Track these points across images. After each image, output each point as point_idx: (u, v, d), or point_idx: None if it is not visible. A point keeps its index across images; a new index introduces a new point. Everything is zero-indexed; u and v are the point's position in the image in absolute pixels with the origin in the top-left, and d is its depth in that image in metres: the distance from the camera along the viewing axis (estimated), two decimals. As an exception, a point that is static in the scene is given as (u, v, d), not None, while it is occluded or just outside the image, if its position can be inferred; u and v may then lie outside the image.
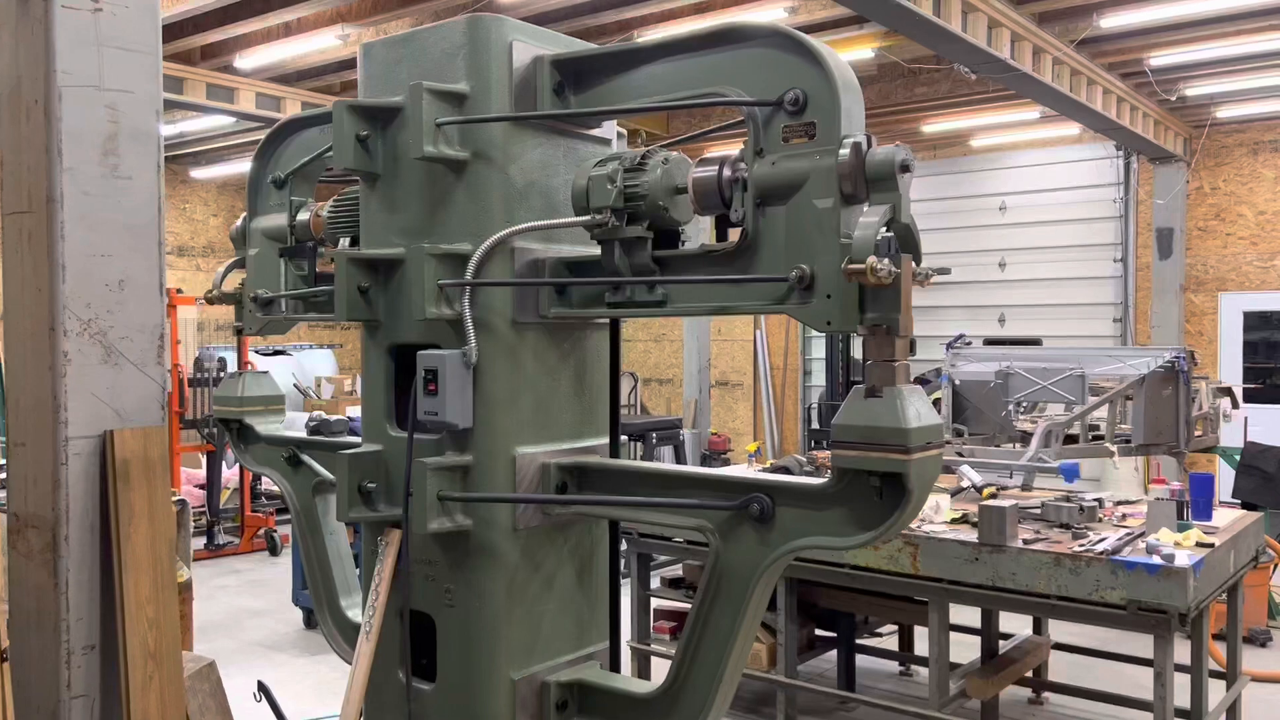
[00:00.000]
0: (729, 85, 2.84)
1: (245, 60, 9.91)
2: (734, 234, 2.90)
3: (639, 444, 10.21)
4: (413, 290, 3.06)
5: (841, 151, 2.63)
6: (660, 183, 2.95)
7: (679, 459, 10.43)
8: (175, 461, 9.91)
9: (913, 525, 4.72)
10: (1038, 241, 14.52)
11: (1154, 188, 13.33)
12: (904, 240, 2.62)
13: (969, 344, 7.99)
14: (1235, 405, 8.08)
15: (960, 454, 6.12)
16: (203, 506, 10.32)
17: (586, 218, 3.02)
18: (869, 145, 2.62)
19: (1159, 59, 9.66)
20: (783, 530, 2.79)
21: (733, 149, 2.93)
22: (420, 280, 3.04)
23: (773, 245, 2.78)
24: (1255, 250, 13.15)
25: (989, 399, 6.96)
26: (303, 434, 4.24)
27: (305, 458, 4.14)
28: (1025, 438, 7.14)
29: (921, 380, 14.28)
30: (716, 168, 2.87)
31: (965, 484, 5.36)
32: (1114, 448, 6.29)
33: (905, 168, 2.57)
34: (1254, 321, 13.21)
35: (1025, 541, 4.36)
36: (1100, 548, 4.13)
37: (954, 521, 4.77)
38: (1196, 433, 6.99)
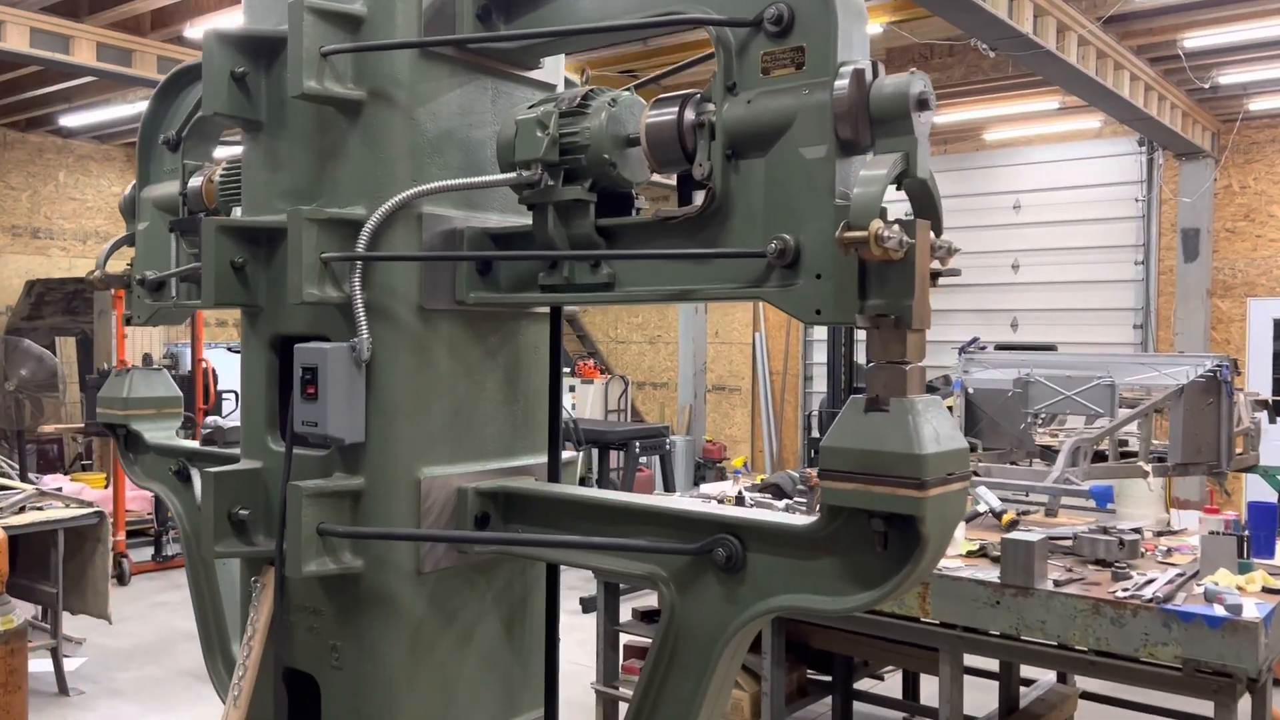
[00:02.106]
0: (693, 1, 2.21)
1: (197, 30, 9.26)
2: (699, 197, 2.27)
3: (620, 453, 9.56)
4: (290, 266, 2.43)
5: (838, 84, 2.00)
6: (605, 130, 2.32)
7: (665, 471, 9.78)
8: (119, 467, 9.25)
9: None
10: (1054, 242, 13.87)
11: (1179, 185, 12.69)
12: (920, 201, 1.99)
13: (984, 349, 7.36)
14: (1273, 420, 7.46)
15: (976, 473, 5.48)
16: (151, 514, 9.69)
17: (512, 174, 2.40)
18: (874, 75, 1.99)
19: (1193, 40, 9.03)
20: (756, 584, 2.15)
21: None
22: (299, 253, 2.41)
23: (747, 210, 2.15)
24: (1287, 253, 12.50)
25: (1006, 410, 6.33)
26: (196, 443, 3.61)
27: (195, 472, 3.50)
28: (1045, 453, 6.50)
29: (930, 389, 13.72)
30: (675, 110, 2.24)
31: (982, 508, 4.73)
32: (1148, 467, 5.64)
33: (923, 104, 1.94)
34: (1285, 329, 12.56)
35: (1056, 582, 3.72)
36: (1148, 593, 3.50)
37: (970, 555, 4.14)
38: (1237, 450, 6.36)
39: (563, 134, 2.35)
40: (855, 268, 1.96)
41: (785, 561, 2.12)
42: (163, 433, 3.75)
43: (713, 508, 2.25)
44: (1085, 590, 3.63)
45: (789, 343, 16.62)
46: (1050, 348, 14.16)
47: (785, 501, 5.02)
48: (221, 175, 3.21)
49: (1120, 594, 3.53)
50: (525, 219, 2.57)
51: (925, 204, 1.99)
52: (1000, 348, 14.76)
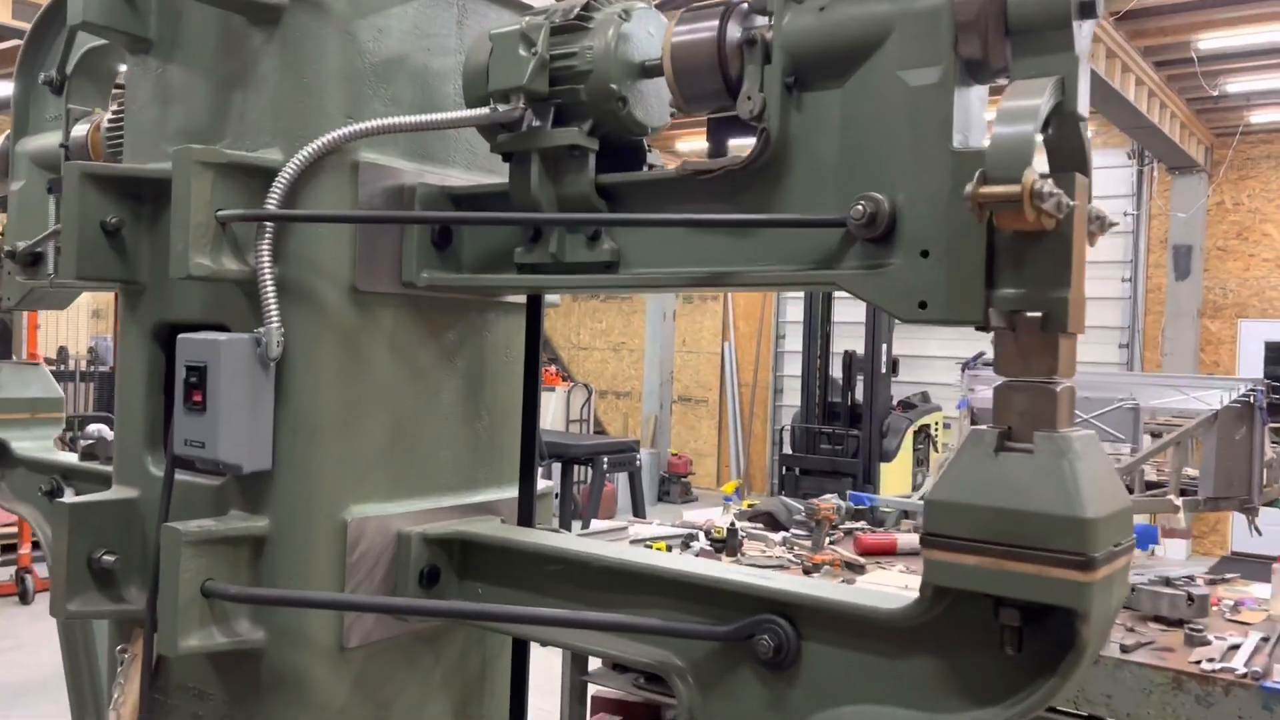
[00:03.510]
0: None
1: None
2: (737, 146, 1.68)
3: (587, 468, 8.92)
4: (174, 226, 1.79)
5: (958, -20, 1.41)
6: (613, 53, 1.71)
7: (634, 490, 9.14)
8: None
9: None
10: (1039, 255, 13.49)
11: (1171, 200, 12.35)
12: (1072, 150, 1.40)
13: (989, 365, 6.83)
14: (1286, 449, 7.02)
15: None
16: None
17: (483, 110, 1.78)
18: (1012, -33, 1.40)
19: (1207, 42, 8.63)
20: (814, 687, 1.55)
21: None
22: (186, 209, 1.77)
23: (814, 161, 1.55)
24: (1281, 274, 12.21)
25: (1016, 433, 5.82)
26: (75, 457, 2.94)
27: (70, 493, 2.84)
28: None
29: (906, 405, 13.24)
30: (714, 23, 1.63)
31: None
32: (1179, 501, 5.13)
33: (1087, 8, 1.36)
34: (1276, 353, 12.25)
35: (1123, 647, 3.16)
36: (1238, 664, 2.96)
37: (1009, 607, 3.59)
38: (1263, 483, 5.89)
39: (555, 55, 1.74)
40: (983, 242, 1.37)
41: (858, 658, 1.51)
42: (36, 443, 3.07)
43: (753, 576, 1.64)
44: (1159, 658, 3.07)
45: (759, 353, 16.09)
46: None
47: (781, 535, 4.43)
48: (111, 120, 2.56)
49: (1206, 666, 2.98)
50: (498, 177, 1.96)
51: (1076, 154, 1.40)
52: (965, 366, 14.33)
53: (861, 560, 3.96)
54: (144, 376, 2.08)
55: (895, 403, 12.69)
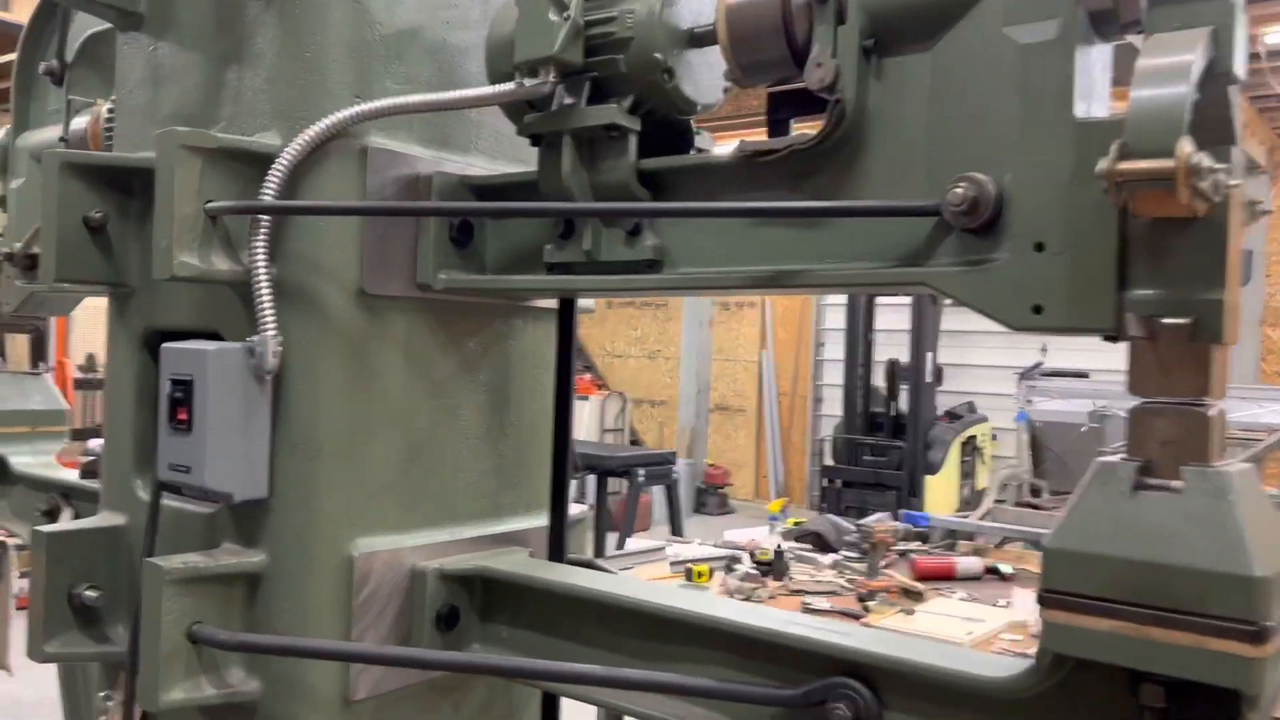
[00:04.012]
0: None
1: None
2: (797, 128, 1.45)
3: (623, 481, 8.69)
4: (157, 220, 1.58)
5: (1079, -85, 1.17)
6: (658, 18, 1.48)
7: (672, 505, 8.88)
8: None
9: (1019, 648, 3.24)
10: (1090, 261, 13.10)
11: (1230, 203, 11.91)
12: (1219, 121, 1.15)
13: (1047, 375, 6.52)
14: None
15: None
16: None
17: (509, 85, 1.56)
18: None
19: (1275, 36, 8.26)
20: (899, 767, 1.30)
21: None
22: (170, 200, 1.56)
23: (898, 137, 1.32)
24: (1348, 280, 11.74)
25: (1078, 448, 5.51)
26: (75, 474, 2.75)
27: (68, 513, 2.65)
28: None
29: (952, 415, 12.89)
30: (778, -20, 1.40)
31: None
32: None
33: (1244, -57, 1.11)
34: (1343, 362, 11.78)
35: None
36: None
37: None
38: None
39: (591, 21, 1.51)
40: (1114, 232, 1.12)
41: (954, 733, 1.27)
42: (38, 458, 2.89)
43: (826, 630, 1.39)
44: None
45: (799, 362, 15.80)
46: (1082, 375, 13.41)
47: (831, 557, 4.17)
48: (111, 107, 2.37)
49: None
50: (524, 165, 1.74)
51: (1223, 126, 1.15)
52: (1024, 375, 13.98)
53: (920, 587, 3.70)
54: (133, 389, 1.88)
55: (940, 413, 12.36)
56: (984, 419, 12.82)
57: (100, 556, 1.84)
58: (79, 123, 2.55)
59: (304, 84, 1.64)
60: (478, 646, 1.77)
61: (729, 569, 3.89)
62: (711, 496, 14.73)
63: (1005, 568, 4.10)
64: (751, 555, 4.02)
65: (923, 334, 11.47)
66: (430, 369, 1.76)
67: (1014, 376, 14.00)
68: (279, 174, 1.57)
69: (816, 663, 1.36)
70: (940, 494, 11.83)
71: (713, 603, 1.62)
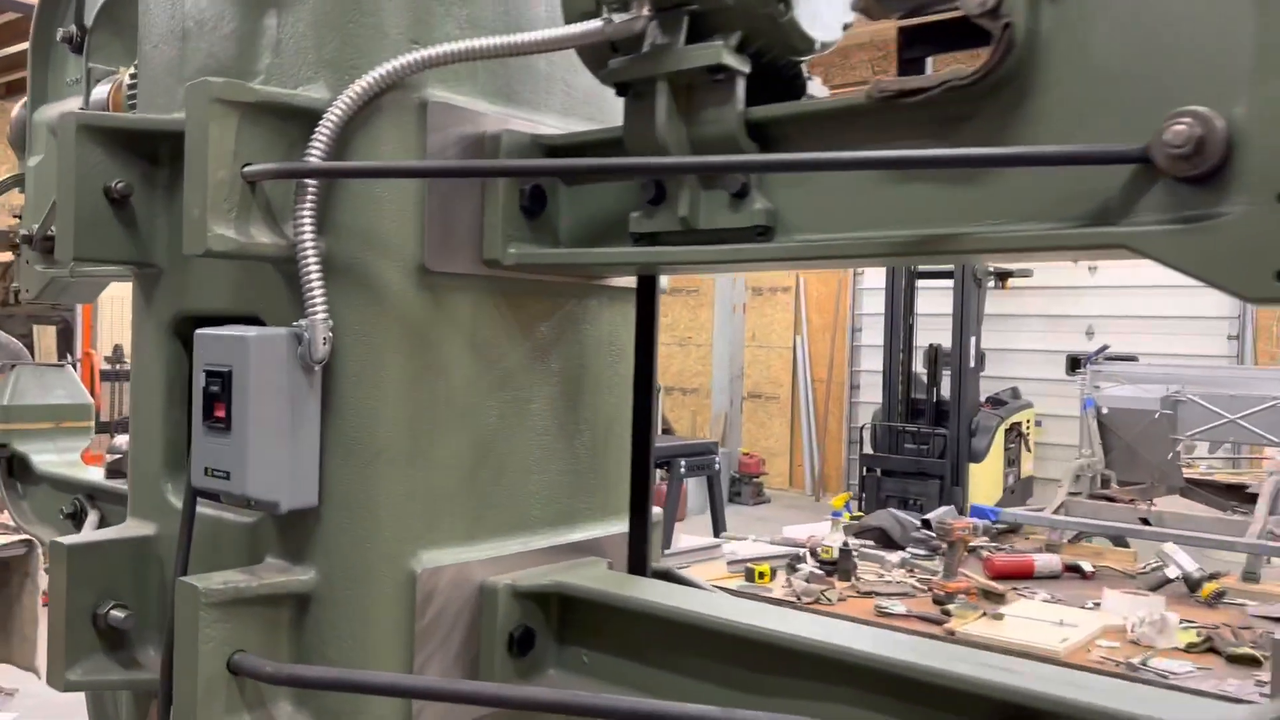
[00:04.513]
0: None
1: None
2: (941, 63, 1.22)
3: (660, 471, 8.46)
4: (188, 187, 1.37)
5: None
6: (773, -61, 1.26)
7: (714, 498, 8.66)
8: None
9: (1121, 656, 3.00)
10: (1137, 241, 12.74)
11: (1286, 179, 11.53)
12: None
13: (1112, 359, 6.25)
14: None
15: (1146, 520, 4.38)
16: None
17: (594, 23, 1.34)
18: None
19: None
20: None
21: None
22: (203, 162, 1.35)
23: (1083, 69, 1.08)
24: None
25: (1150, 436, 5.24)
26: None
27: (94, 515, 2.47)
28: (1192, 490, 5.41)
29: (995, 401, 12.60)
30: (923, -115, 1.17)
31: (1172, 573, 3.64)
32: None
33: None
34: (1406, 343, 11.38)
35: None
36: None
37: (1192, 649, 3.05)
38: None
39: (692, -55, 1.29)
40: (1392, 174, 0.89)
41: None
42: (61, 456, 2.71)
43: (986, 665, 1.17)
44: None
45: (834, 348, 15.52)
46: (1131, 359, 13.10)
47: (899, 555, 3.94)
48: (133, 73, 2.17)
49: None
50: (604, 122, 1.52)
51: None
52: (1073, 360, 13.67)
53: (1000, 588, 3.47)
54: (162, 382, 1.68)
55: (983, 399, 12.09)
56: (1029, 405, 12.55)
57: (127, 571, 1.65)
58: (100, 92, 2.35)
59: (354, 29, 1.43)
60: (554, 672, 1.56)
61: (792, 568, 3.67)
62: (746, 486, 14.50)
63: (1086, 565, 3.86)
64: (813, 553, 3.80)
65: (966, 317, 11.20)
66: (498, 357, 1.55)
67: (1060, 361, 13.71)
68: (327, 131, 1.36)
69: (979, 707, 1.14)
70: (984, 482, 11.58)
71: (838, 628, 1.40)
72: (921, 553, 3.91)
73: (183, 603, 1.36)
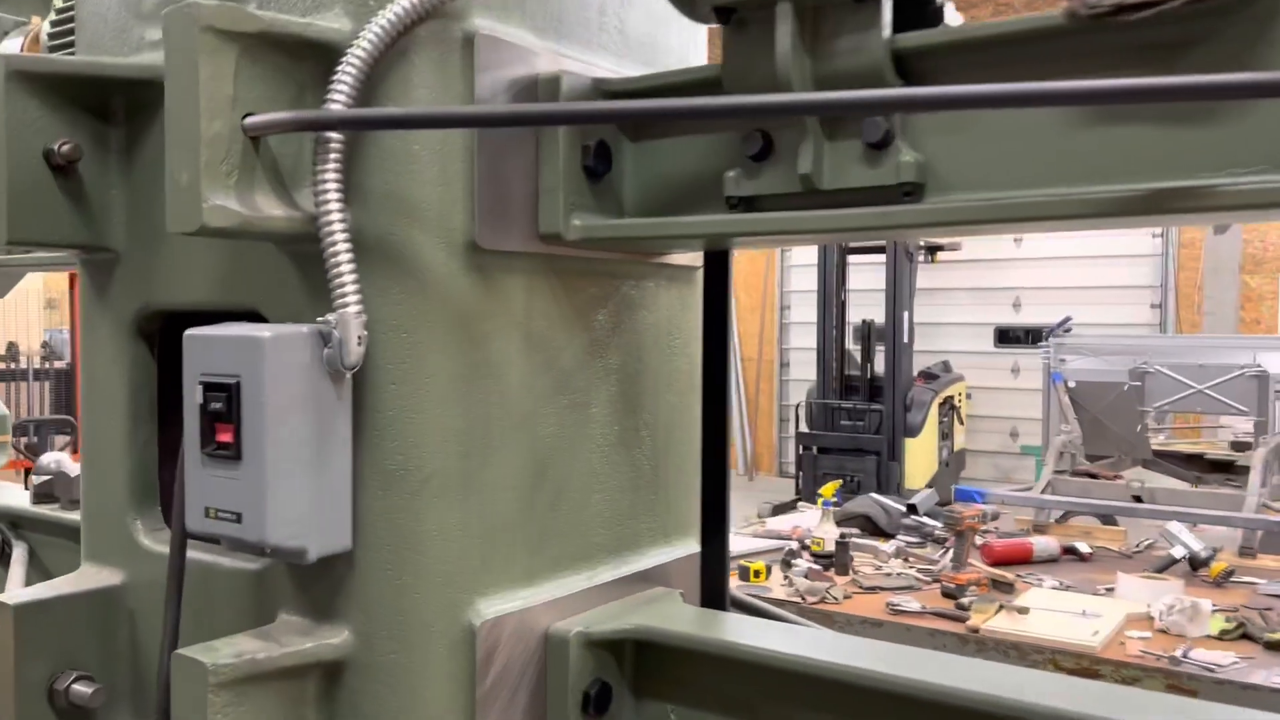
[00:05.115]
0: None
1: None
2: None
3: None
4: (170, 145, 1.06)
5: None
6: None
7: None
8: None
9: (1157, 648, 2.86)
10: (1061, 212, 12.88)
11: (1206, 148, 11.76)
12: None
13: (1069, 330, 6.19)
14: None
15: (1138, 498, 4.28)
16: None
17: (698, -70, 1.06)
18: None
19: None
20: None
21: None
22: (193, 110, 1.04)
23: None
24: (1325, 223, 11.66)
25: (1117, 408, 5.17)
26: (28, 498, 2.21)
27: (21, 549, 2.11)
28: (1154, 462, 5.37)
29: (928, 375, 12.65)
30: None
31: (1178, 552, 3.53)
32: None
33: None
34: (1322, 308, 11.74)
35: None
36: None
37: (1225, 636, 2.92)
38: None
39: None
40: None
41: None
42: (-27, 478, 2.33)
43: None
44: None
45: (763, 326, 15.44)
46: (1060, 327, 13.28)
47: (893, 545, 3.76)
48: (56, 20, 1.82)
49: None
50: (659, 69, 1.26)
51: None
52: (1001, 332, 13.77)
53: (1010, 577, 3.30)
54: (124, 395, 1.36)
55: (916, 374, 12.13)
56: (960, 378, 12.65)
57: (89, 632, 1.33)
58: (9, 46, 2.00)
59: (378, -60, 1.13)
60: (633, 732, 1.30)
61: (787, 564, 3.46)
62: (679, 469, 14.34)
63: (1083, 547, 3.74)
64: (804, 546, 3.60)
65: (899, 292, 11.19)
66: (555, 354, 1.27)
67: (988, 333, 13.83)
68: (354, 71, 1.07)
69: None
70: (920, 457, 11.63)
71: (976, 669, 1.17)
72: (914, 539, 3.74)
73: (184, 684, 1.06)
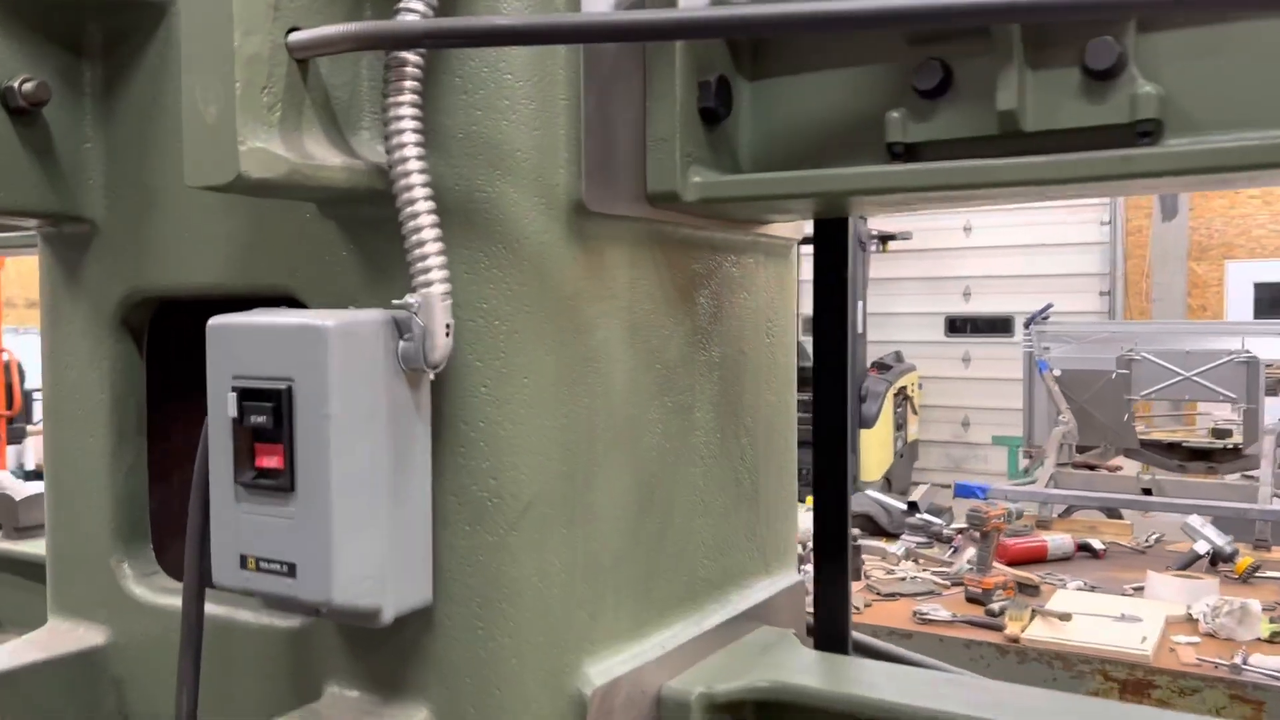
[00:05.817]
0: None
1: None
2: None
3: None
4: (191, 67, 0.78)
5: None
6: None
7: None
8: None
9: (1211, 654, 2.70)
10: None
11: (1152, 136, 11.86)
12: None
13: (1046, 319, 6.07)
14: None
15: (1148, 490, 4.14)
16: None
17: None
18: None
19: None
20: None
21: None
22: (224, 25, 0.76)
23: None
24: (1269, 210, 11.80)
25: (1104, 397, 5.06)
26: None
27: (-43, 589, 1.80)
28: (1138, 451, 5.28)
29: (881, 366, 12.61)
30: None
31: (1201, 547, 3.38)
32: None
33: None
34: (1266, 294, 11.91)
35: None
36: None
37: (1276, 637, 2.77)
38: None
39: None
40: None
41: None
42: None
43: None
44: None
45: (712, 318, 15.28)
46: (1006, 320, 13.39)
47: (902, 546, 3.56)
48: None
49: None
50: None
51: None
52: (952, 321, 13.76)
53: (1034, 578, 3.13)
54: (105, 404, 1.08)
55: (869, 364, 12.09)
56: (913, 368, 12.64)
57: (67, 704, 1.05)
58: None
59: None
60: (757, 809, 1.06)
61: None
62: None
63: (1096, 544, 3.58)
64: (806, 549, 3.38)
65: (854, 282, 11.07)
66: (659, 345, 1.03)
67: (938, 323, 13.86)
68: (435, -28, 0.80)
69: None
70: (875, 448, 11.57)
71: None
72: (922, 539, 3.56)
73: (218, 795, 0.79)
